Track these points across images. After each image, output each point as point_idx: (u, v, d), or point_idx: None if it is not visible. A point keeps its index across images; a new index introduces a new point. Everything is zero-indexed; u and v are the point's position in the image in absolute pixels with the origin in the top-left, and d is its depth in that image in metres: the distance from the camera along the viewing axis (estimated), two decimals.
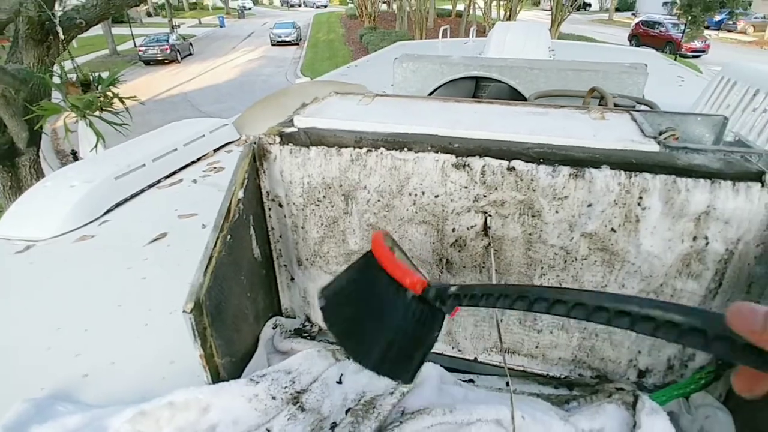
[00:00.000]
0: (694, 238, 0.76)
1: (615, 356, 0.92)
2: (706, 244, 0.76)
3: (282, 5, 55.54)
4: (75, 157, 5.77)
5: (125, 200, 1.85)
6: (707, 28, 18.75)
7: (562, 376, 0.97)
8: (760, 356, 0.31)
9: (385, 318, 0.60)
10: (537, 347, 0.96)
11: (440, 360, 0.99)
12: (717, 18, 22.75)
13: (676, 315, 0.36)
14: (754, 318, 0.31)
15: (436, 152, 0.83)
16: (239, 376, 0.89)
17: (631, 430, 0.77)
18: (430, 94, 2.00)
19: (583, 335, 0.92)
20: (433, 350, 1.02)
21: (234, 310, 0.88)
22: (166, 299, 1.24)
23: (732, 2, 14.78)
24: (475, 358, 1.01)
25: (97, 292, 1.30)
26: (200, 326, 0.77)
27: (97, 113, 4.84)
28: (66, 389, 0.97)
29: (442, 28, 5.74)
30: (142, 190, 1.94)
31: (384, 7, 33.92)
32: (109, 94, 4.97)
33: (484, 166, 0.81)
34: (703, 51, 18.93)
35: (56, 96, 4.84)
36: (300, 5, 54.51)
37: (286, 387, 0.86)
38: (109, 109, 4.99)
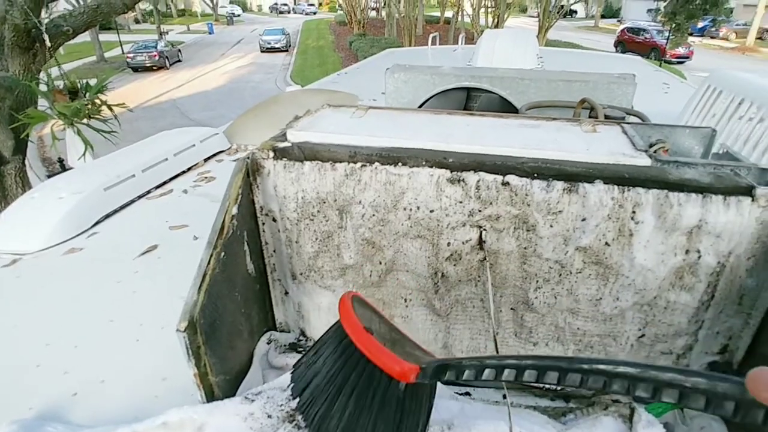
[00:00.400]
0: (687, 252, 0.77)
1: None
2: (699, 257, 0.77)
3: (271, 12, 55.58)
4: (62, 165, 5.70)
5: (114, 212, 1.83)
6: (691, 34, 19.13)
7: (559, 389, 0.97)
8: None
9: (374, 412, 0.54)
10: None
11: None
12: (700, 25, 23.23)
13: (700, 381, 0.35)
14: None
15: (431, 167, 0.83)
16: (234, 394, 0.88)
17: None
18: (422, 105, 2.01)
19: (579, 347, 0.92)
20: None
21: (228, 327, 0.87)
22: (157, 314, 1.22)
23: (714, 10, 15.10)
24: None
25: (86, 306, 1.28)
26: (194, 345, 0.76)
27: (84, 121, 4.78)
28: (55, 409, 0.95)
29: (431, 36, 5.79)
30: (132, 201, 1.92)
31: (373, 14, 34.12)
32: (97, 101, 4.92)
33: (478, 181, 0.81)
34: (687, 57, 19.31)
35: (43, 104, 4.78)
36: (289, 12, 54.60)
37: (281, 405, 0.85)
38: (97, 116, 4.94)
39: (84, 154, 4.54)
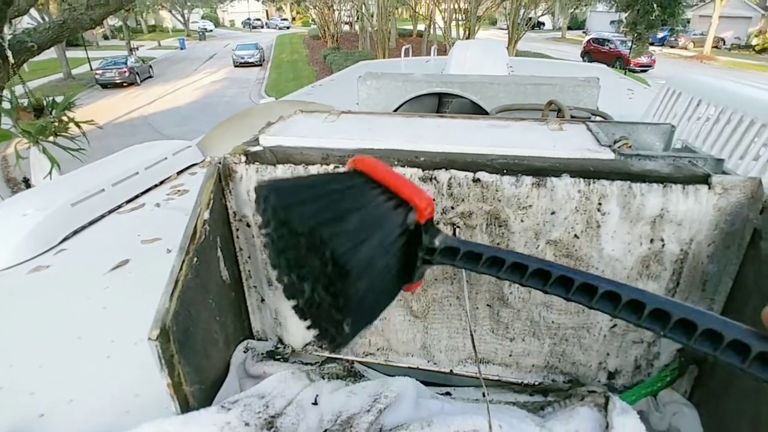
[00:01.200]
0: (651, 241, 0.80)
1: (585, 360, 0.94)
2: (663, 245, 0.79)
3: (244, 27, 55.50)
4: (27, 184, 5.50)
5: (83, 227, 1.77)
6: (652, 44, 19.99)
7: (536, 383, 0.98)
8: None
9: (370, 232, 0.45)
10: (510, 355, 0.97)
11: (416, 374, 0.99)
12: (660, 35, 24.31)
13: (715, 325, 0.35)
14: None
15: (403, 166, 0.84)
16: (210, 404, 0.86)
17: (604, 431, 0.78)
18: (395, 111, 2.03)
19: (554, 341, 0.93)
20: (409, 365, 1.03)
21: (203, 335, 0.85)
22: (129, 329, 1.19)
23: (672, 20, 15.83)
24: (451, 370, 1.01)
25: (53, 325, 1.23)
26: (167, 354, 0.74)
27: (51, 139, 4.65)
28: (21, 431, 0.91)
29: (404, 47, 5.87)
30: (102, 216, 1.86)
31: (346, 27, 34.44)
32: (65, 118, 4.80)
33: (450, 179, 0.82)
34: (650, 66, 20.16)
35: (6, 122, 4.62)
36: (262, 27, 54.64)
37: (259, 412, 0.84)
38: (64, 134, 4.81)
39: (50, 173, 4.41)
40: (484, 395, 0.94)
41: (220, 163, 0.89)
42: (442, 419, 0.79)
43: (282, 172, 0.88)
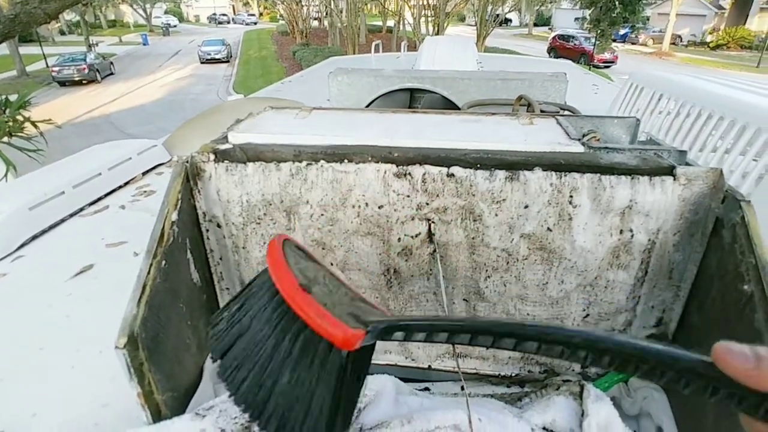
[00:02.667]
0: (621, 231, 0.82)
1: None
2: (632, 236, 0.82)
3: (210, 22, 54.07)
4: None
5: (43, 232, 1.69)
6: (614, 41, 20.63)
7: (513, 375, 0.99)
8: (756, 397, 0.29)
9: (312, 380, 0.45)
10: (487, 349, 0.98)
11: (395, 371, 0.99)
12: (622, 32, 25.11)
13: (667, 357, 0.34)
14: (744, 358, 0.29)
15: (377, 162, 0.83)
16: (183, 412, 0.83)
17: (579, 418, 0.80)
18: (366, 107, 2.02)
19: None
20: (387, 362, 1.02)
21: (173, 341, 0.82)
22: (95, 337, 1.14)
23: (633, 17, 16.37)
24: (429, 365, 1.01)
25: (12, 336, 1.16)
26: (136, 362, 0.71)
27: (5, 139, 4.41)
28: None
29: (374, 43, 5.86)
30: (63, 220, 1.78)
31: (315, 23, 34.05)
32: (20, 117, 4.56)
33: (424, 174, 0.82)
34: (613, 62, 20.77)
35: None
36: (229, 22, 53.36)
37: (235, 417, 0.81)
38: (19, 134, 4.57)
39: (5, 176, 4.18)
40: (462, 389, 0.95)
41: (187, 162, 0.86)
42: (422, 415, 0.79)
43: (252, 170, 0.86)
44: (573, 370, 0.98)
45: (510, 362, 1.00)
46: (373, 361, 1.06)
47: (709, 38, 29.76)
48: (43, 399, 0.97)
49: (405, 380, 0.93)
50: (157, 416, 0.77)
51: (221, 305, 1.01)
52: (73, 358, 1.08)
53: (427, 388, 0.97)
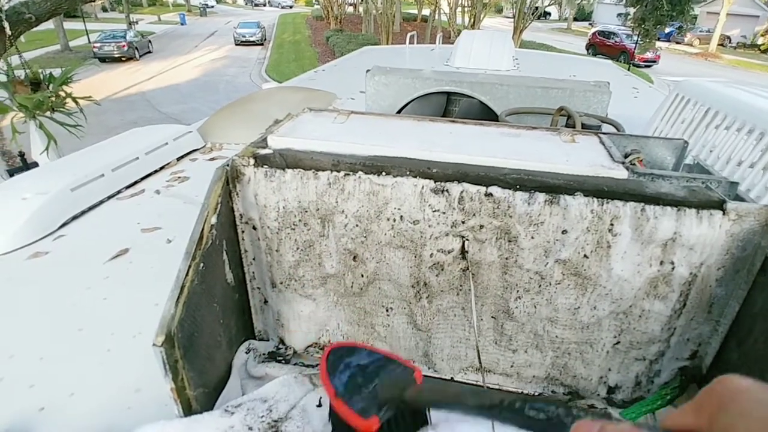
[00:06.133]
0: (661, 263, 0.79)
1: (586, 374, 0.95)
2: (672, 268, 0.79)
3: (246, 4, 54.47)
4: (23, 159, 5.43)
5: (83, 213, 1.75)
6: (658, 39, 19.81)
7: (536, 393, 0.99)
8: None
9: None
10: (512, 366, 0.98)
11: None
12: (666, 30, 24.07)
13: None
14: None
15: (415, 177, 0.83)
16: (212, 407, 0.86)
17: None
18: (402, 107, 2.00)
19: (557, 354, 0.94)
20: None
21: (207, 340, 0.85)
22: (130, 321, 1.18)
23: (681, 17, 15.65)
24: (452, 378, 1.01)
25: (53, 315, 1.22)
26: (171, 359, 0.74)
27: (47, 114, 4.58)
28: (21, 425, 0.91)
29: (408, 35, 5.80)
30: (101, 202, 1.85)
31: (350, 9, 33.87)
32: (62, 93, 4.72)
33: (462, 192, 0.81)
34: (654, 61, 19.98)
35: (2, 95, 4.54)
36: (265, 5, 53.62)
37: (262, 416, 0.84)
38: (61, 109, 4.74)
39: (47, 149, 4.35)
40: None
41: (228, 165, 0.87)
42: (447, 425, 0.80)
43: (291, 176, 0.87)
44: (598, 395, 0.97)
45: (534, 381, 0.99)
46: None
47: (760, 40, 28.25)
48: (81, 380, 1.02)
49: None
50: (188, 410, 0.80)
51: (252, 304, 1.04)
52: (109, 342, 1.13)
53: None
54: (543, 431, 0.38)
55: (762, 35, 28.37)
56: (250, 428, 0.81)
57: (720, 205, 0.75)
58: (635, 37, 17.31)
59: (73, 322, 1.19)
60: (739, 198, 0.82)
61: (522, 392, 0.99)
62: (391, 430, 0.59)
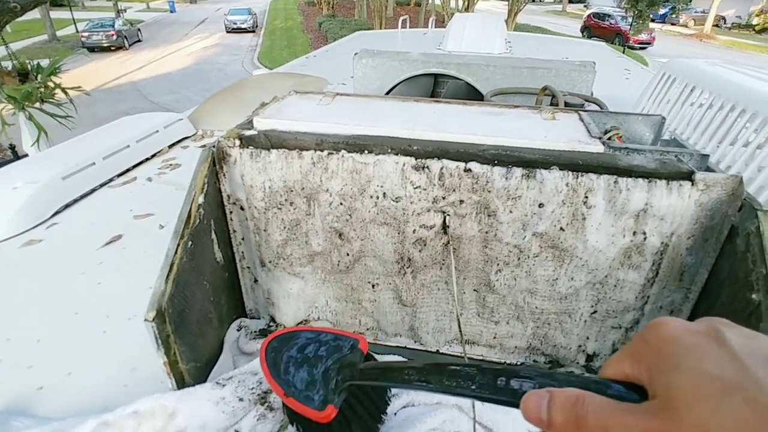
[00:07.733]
0: (634, 233, 0.82)
1: (566, 343, 0.98)
2: (645, 238, 0.82)
3: None
4: (14, 152, 5.40)
5: (75, 201, 1.77)
6: (652, 21, 19.69)
7: (519, 363, 1.03)
8: None
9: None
10: (495, 338, 1.01)
11: (404, 353, 1.03)
12: (661, 11, 23.89)
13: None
14: (539, 409, 0.31)
15: (396, 154, 0.85)
16: (205, 381, 0.89)
17: None
18: (390, 90, 2.01)
19: (537, 325, 0.97)
20: (397, 344, 1.07)
21: (197, 316, 0.88)
22: (124, 304, 1.21)
23: None
24: (437, 350, 1.05)
25: (48, 299, 1.25)
26: (163, 334, 0.77)
27: (37, 105, 4.54)
28: (20, 403, 0.94)
29: (401, 18, 5.75)
30: (93, 191, 1.86)
31: None
32: (51, 84, 4.68)
33: (442, 168, 0.84)
34: (649, 43, 19.88)
35: None
36: None
37: (253, 388, 0.87)
38: (50, 100, 4.70)
39: (38, 140, 4.33)
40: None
41: (213, 146, 0.89)
42: (427, 396, 0.84)
43: (276, 157, 0.89)
44: (578, 363, 1.01)
45: (516, 351, 1.03)
46: (383, 343, 1.10)
47: (755, 21, 28.10)
48: (78, 360, 1.05)
49: None
50: (181, 383, 0.83)
51: (242, 283, 1.07)
52: (104, 324, 1.15)
53: None
54: (494, 400, 0.37)
55: (757, 15, 28.21)
56: (241, 399, 0.84)
57: (689, 176, 0.77)
58: (630, 19, 17.20)
59: (68, 306, 1.21)
60: (709, 170, 0.84)
61: (504, 363, 1.03)
62: (353, 409, 0.60)
